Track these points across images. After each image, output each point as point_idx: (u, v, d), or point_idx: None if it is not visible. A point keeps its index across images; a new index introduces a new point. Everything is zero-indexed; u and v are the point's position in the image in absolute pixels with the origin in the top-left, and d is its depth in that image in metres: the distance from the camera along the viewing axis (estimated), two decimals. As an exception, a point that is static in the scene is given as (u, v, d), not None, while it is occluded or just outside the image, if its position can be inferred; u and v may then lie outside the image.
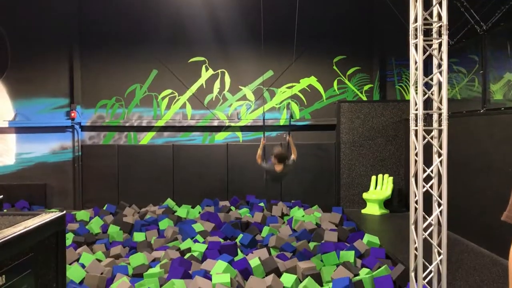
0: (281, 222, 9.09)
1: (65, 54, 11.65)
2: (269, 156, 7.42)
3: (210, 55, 11.71)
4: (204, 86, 11.77)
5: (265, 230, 8.20)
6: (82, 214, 9.87)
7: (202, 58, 11.73)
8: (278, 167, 7.12)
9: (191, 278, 5.71)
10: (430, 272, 4.83)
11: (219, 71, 11.75)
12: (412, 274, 4.86)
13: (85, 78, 11.70)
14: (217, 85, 11.75)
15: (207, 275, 5.78)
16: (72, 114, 11.48)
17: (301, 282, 5.76)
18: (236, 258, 6.46)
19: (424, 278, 4.81)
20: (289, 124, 9.75)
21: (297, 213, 9.66)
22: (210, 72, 11.75)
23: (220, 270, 5.84)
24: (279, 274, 6.00)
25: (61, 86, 11.69)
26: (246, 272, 6.04)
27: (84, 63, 11.68)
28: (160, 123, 11.72)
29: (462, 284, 5.37)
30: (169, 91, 11.75)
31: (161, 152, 11.58)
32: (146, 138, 11.82)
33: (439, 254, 4.77)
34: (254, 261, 6.23)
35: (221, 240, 7.56)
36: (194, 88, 11.74)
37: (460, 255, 6.58)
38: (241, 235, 7.77)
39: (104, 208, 10.55)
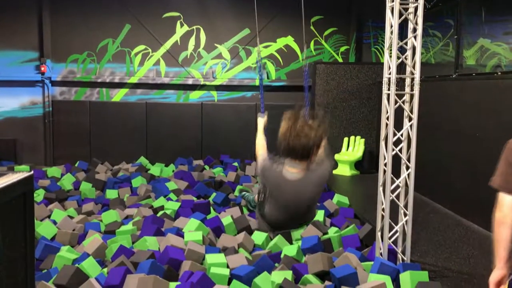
0: (254, 182, 9.18)
1: (34, 4, 11.16)
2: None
3: (186, 10, 11.40)
4: (179, 42, 11.53)
5: (238, 189, 8.29)
6: (53, 171, 9.76)
7: (177, 14, 11.42)
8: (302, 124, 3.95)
9: (164, 236, 5.77)
10: (396, 232, 5.01)
11: (194, 27, 11.50)
12: (379, 234, 5.03)
13: (55, 31, 11.28)
14: (192, 42, 11.52)
15: (179, 233, 5.85)
16: (42, 69, 11.14)
17: (271, 239, 5.90)
18: (208, 216, 6.55)
19: (390, 238, 4.98)
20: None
21: (270, 172, 9.75)
22: (185, 28, 11.49)
23: (192, 228, 5.91)
24: (250, 232, 6.11)
25: (30, 39, 11.25)
26: (218, 230, 6.13)
27: (54, 15, 11.22)
28: (133, 79, 11.50)
29: (426, 243, 5.60)
30: (142, 47, 11.48)
31: (134, 110, 11.41)
32: (118, 95, 11.61)
33: (405, 215, 4.93)
34: (226, 219, 6.32)
35: (194, 198, 7.62)
36: (168, 44, 11.49)
37: (426, 216, 6.82)
38: (214, 194, 7.84)
39: (76, 165, 10.44)
